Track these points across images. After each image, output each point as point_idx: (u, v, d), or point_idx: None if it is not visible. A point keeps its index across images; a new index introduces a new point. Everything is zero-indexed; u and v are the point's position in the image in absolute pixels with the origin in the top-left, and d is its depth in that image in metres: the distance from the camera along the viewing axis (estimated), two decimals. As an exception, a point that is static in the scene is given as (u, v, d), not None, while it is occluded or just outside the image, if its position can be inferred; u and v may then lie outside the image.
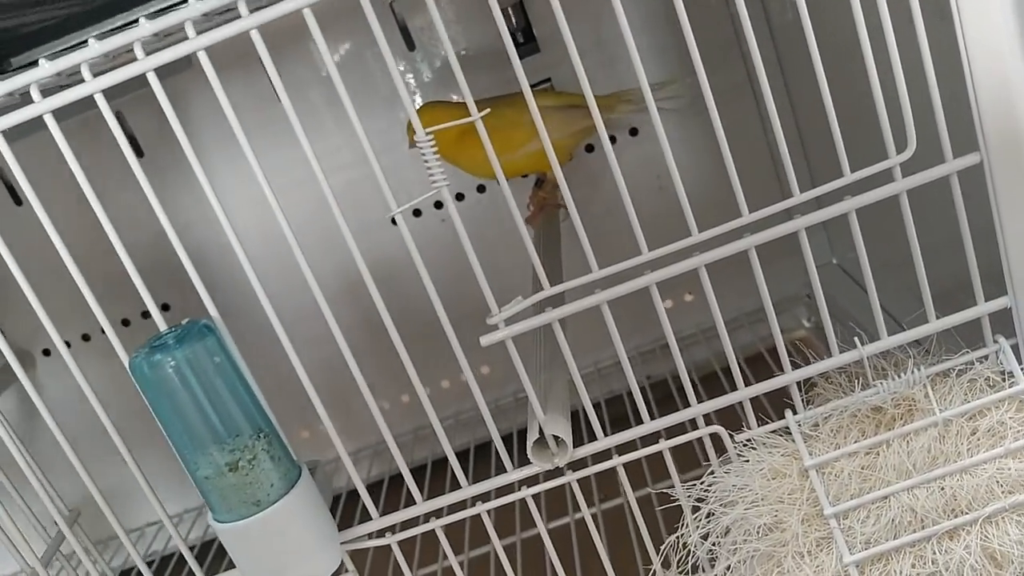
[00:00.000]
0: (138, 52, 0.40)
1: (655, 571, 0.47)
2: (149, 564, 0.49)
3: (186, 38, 0.40)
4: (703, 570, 0.47)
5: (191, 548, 0.48)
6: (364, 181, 0.82)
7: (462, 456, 0.48)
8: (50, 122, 0.42)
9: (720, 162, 0.43)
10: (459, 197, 0.86)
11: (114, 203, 0.45)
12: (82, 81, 0.41)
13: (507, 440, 0.59)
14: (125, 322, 0.87)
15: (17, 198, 0.83)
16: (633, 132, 0.84)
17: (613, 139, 0.84)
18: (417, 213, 0.86)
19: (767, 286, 0.46)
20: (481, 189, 0.86)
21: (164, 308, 0.71)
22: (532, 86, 0.44)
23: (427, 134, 0.40)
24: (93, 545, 0.50)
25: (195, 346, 0.41)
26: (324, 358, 0.50)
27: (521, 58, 0.41)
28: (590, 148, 0.84)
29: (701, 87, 0.41)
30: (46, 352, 0.89)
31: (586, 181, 0.83)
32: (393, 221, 0.43)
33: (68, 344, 0.52)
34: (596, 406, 0.51)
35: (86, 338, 0.89)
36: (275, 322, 0.44)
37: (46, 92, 0.41)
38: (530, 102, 0.41)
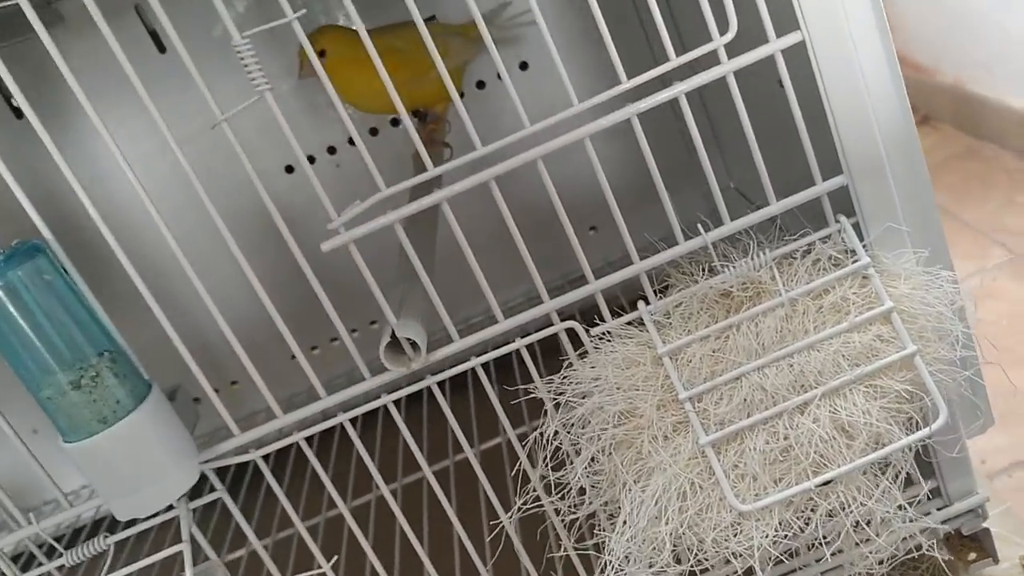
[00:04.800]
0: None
1: (521, 467, 0.48)
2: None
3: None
4: (570, 462, 0.48)
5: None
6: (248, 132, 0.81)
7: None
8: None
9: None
10: (350, 142, 0.85)
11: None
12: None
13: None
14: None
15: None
16: (523, 66, 0.84)
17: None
18: (311, 159, 0.86)
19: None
20: (374, 132, 0.85)
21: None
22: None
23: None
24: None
25: (24, 265, 0.40)
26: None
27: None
28: (480, 84, 0.84)
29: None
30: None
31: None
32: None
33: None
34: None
35: None
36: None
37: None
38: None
